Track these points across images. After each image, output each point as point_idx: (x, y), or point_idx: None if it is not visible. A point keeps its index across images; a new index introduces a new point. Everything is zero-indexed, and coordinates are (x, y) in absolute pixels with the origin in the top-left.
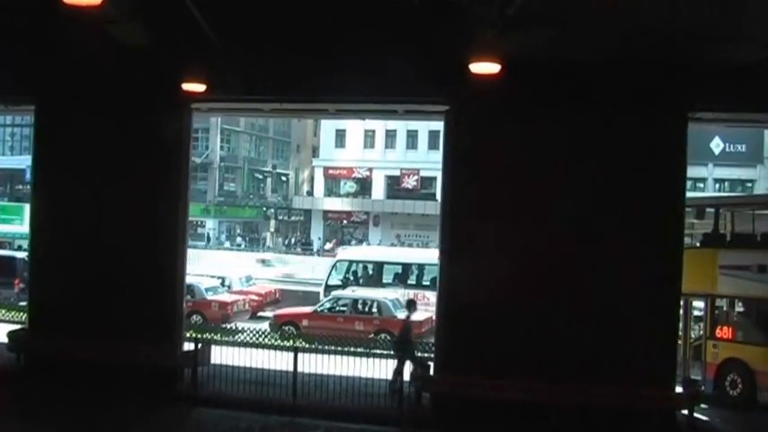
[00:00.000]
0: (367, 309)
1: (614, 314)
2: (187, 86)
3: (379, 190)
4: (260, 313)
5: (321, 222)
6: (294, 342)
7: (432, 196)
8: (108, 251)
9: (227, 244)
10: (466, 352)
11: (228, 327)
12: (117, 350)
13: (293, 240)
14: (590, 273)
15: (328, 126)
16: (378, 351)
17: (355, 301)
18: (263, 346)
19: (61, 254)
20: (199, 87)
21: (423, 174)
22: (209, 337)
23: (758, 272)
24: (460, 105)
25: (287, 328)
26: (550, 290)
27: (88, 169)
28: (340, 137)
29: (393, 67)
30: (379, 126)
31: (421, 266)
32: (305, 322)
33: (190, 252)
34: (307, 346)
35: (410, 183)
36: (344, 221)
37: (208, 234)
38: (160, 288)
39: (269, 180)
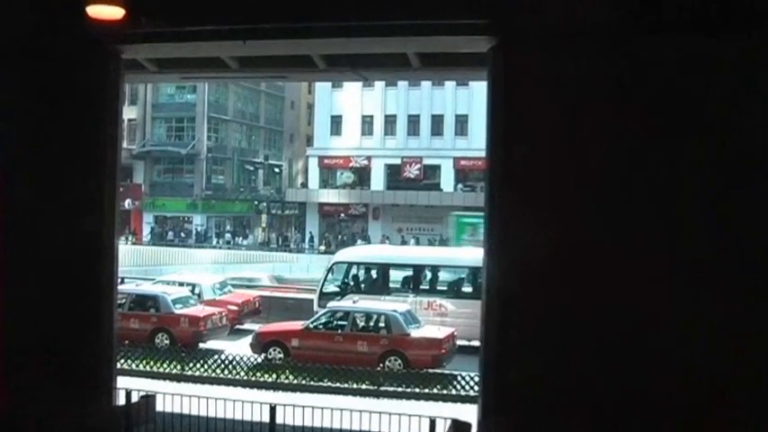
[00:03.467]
0: (372, 324)
1: (746, 326)
2: (95, 11)
3: (378, 180)
4: (237, 326)
5: (317, 216)
6: (278, 376)
7: (436, 186)
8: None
9: (218, 241)
10: (529, 390)
11: (201, 348)
12: (20, 403)
13: (327, 240)
14: (707, 267)
15: (323, 112)
16: (389, 387)
17: (357, 314)
18: (235, 383)
19: None
20: (112, 12)
21: (426, 162)
22: (162, 368)
23: None
24: (514, 38)
25: (273, 350)
26: (652, 294)
27: None
28: (336, 123)
29: None
30: (378, 111)
31: (435, 268)
32: (294, 342)
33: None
34: (294, 382)
35: (412, 172)
36: (342, 215)
37: (196, 231)
38: (79, 306)
39: (261, 172)
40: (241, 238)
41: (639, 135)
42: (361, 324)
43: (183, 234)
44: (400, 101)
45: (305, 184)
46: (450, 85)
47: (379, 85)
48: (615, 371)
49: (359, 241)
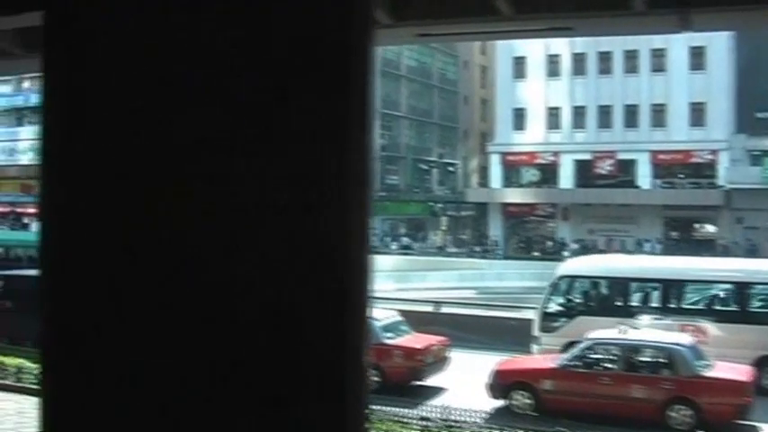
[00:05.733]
0: (648, 361)
1: None
2: None
3: (566, 177)
4: None
5: (500, 217)
6: None
7: (631, 183)
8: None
9: (394, 245)
10: None
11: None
12: None
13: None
14: None
15: (504, 104)
16: None
17: (628, 348)
18: None
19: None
20: None
21: (619, 156)
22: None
23: None
24: None
25: (517, 393)
26: None
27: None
28: (518, 117)
29: None
30: (565, 102)
31: (681, 283)
32: (547, 384)
33: None
34: None
35: (604, 168)
36: (527, 216)
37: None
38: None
39: (435, 171)
40: (419, 242)
41: None
42: (634, 361)
43: None
44: (589, 90)
45: (483, 183)
46: (644, 71)
47: (566, 73)
48: None
49: (571, 245)
